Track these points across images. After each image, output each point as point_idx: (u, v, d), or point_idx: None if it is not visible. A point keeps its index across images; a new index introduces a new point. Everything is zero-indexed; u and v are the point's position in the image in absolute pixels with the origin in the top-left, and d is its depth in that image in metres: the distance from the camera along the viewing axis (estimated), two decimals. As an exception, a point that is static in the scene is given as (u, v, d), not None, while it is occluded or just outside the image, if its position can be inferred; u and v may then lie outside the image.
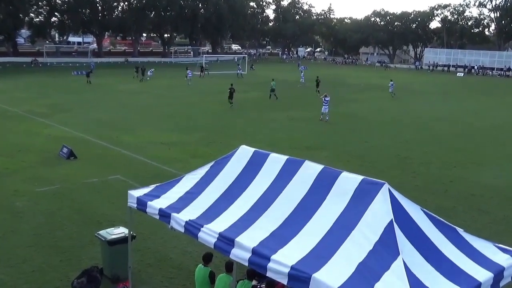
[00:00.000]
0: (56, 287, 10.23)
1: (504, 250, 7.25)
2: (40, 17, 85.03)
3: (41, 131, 25.91)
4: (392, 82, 47.60)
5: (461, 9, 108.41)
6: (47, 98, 38.53)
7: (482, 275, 6.45)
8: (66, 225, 13.44)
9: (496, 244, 7.42)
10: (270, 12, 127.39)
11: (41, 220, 13.71)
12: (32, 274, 10.69)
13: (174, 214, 8.00)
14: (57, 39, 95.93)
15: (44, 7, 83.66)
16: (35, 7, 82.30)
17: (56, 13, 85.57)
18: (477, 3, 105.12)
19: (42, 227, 13.20)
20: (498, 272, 6.68)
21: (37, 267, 11.02)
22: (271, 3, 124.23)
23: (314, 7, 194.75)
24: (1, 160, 19.79)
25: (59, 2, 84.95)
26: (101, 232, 10.62)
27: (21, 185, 16.60)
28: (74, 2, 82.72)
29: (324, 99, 31.53)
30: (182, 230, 7.81)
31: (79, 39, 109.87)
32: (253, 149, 8.94)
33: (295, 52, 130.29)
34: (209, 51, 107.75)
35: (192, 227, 7.64)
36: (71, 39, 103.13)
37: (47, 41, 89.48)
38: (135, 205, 8.81)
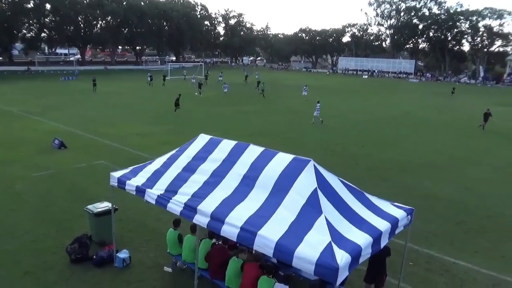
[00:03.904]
0: (53, 252, 9.86)
1: (398, 207, 7.57)
2: (31, 33, 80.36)
3: (36, 126, 24.58)
4: (306, 87, 45.45)
5: (365, 27, 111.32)
6: (40, 99, 36.52)
7: (383, 225, 6.70)
8: (59, 202, 12.92)
9: (393, 203, 7.74)
10: (220, 29, 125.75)
11: (38, 199, 13.12)
12: (33, 243, 10.25)
13: (148, 190, 7.84)
14: (46, 51, 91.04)
15: (35, 24, 79.39)
16: (27, 24, 78.06)
17: (45, 30, 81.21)
18: (376, 23, 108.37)
19: (39, 205, 12.64)
20: (394, 222, 6.96)
21: (37, 237, 10.57)
22: (221, 22, 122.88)
23: (255, 25, 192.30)
24: (2, 152, 18.70)
25: (48, 20, 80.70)
26: (89, 206, 10.31)
27: (20, 171, 15.78)
28: (60, 21, 78.96)
29: (317, 105, 29.04)
30: (154, 202, 7.68)
31: (66, 51, 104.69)
32: (209, 136, 8.88)
33: (241, 60, 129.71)
34: (173, 59, 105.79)
35: (162, 199, 7.53)
36: (59, 50, 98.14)
37: (38, 53, 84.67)
38: (116, 184, 8.56)
